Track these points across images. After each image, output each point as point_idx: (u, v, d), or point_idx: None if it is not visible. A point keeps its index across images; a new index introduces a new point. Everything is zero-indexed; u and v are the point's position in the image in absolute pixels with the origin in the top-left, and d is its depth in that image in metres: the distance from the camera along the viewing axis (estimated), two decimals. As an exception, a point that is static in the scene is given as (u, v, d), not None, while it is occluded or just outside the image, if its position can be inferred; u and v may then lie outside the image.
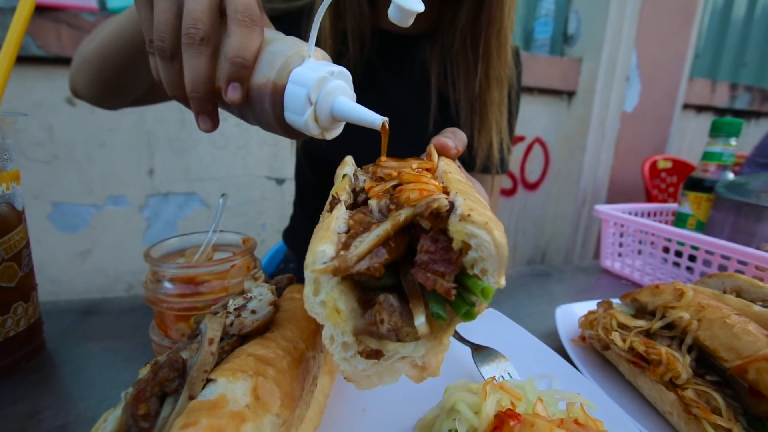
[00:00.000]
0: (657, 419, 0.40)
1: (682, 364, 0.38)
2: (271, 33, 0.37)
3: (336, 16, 0.75)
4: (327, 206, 0.30)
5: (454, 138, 0.41)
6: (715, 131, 0.86)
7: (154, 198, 1.63)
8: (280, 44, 0.35)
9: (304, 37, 0.37)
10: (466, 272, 0.24)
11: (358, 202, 0.30)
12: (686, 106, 2.40)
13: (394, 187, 0.29)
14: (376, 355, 0.26)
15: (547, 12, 2.01)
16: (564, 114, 2.21)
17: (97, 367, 0.49)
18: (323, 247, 0.24)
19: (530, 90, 2.06)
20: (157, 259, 0.47)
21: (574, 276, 0.86)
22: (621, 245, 0.87)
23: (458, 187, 0.28)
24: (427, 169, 0.35)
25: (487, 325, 0.53)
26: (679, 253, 0.75)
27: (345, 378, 0.27)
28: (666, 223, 0.99)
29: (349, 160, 0.39)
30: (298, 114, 0.34)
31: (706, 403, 0.35)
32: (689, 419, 0.35)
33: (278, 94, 0.34)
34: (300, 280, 0.47)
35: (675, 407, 0.37)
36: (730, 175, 0.86)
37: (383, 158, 0.36)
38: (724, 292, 0.50)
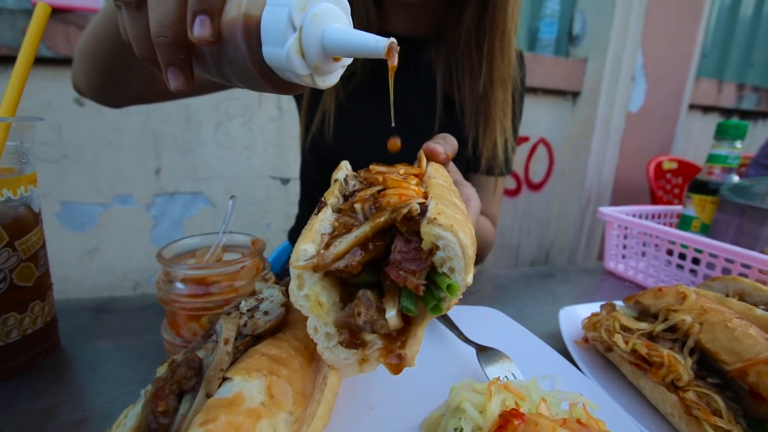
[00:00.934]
0: (659, 420, 0.41)
1: (684, 367, 0.39)
2: None
3: None
4: (316, 210, 0.32)
5: (444, 144, 0.42)
6: (721, 134, 0.86)
7: (161, 197, 1.65)
8: None
9: None
10: (437, 271, 0.27)
11: (345, 206, 0.32)
12: (692, 107, 2.39)
13: (379, 191, 0.31)
14: (355, 345, 0.28)
15: (552, 12, 2.00)
16: (569, 114, 2.20)
17: (110, 364, 0.50)
18: (305, 246, 0.27)
19: (535, 90, 2.06)
20: (169, 259, 0.48)
21: (578, 277, 0.87)
22: (625, 247, 0.88)
23: (436, 192, 0.30)
24: (416, 175, 0.37)
25: (492, 326, 0.53)
26: (682, 256, 0.75)
27: (329, 366, 0.29)
28: (670, 225, 0.99)
29: (344, 165, 0.40)
30: (278, 45, 0.27)
31: (706, 405, 0.36)
32: (690, 421, 0.36)
33: (253, 21, 0.27)
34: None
35: (676, 409, 0.37)
36: (735, 178, 0.86)
37: (373, 165, 0.38)
38: (727, 296, 0.51)
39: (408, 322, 0.28)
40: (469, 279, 0.26)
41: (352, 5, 0.79)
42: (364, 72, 0.82)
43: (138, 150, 1.57)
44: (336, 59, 0.30)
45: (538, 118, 2.14)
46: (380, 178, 0.33)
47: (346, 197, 0.34)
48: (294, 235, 1.09)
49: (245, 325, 0.31)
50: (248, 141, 1.69)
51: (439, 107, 0.81)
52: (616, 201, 2.23)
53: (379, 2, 0.81)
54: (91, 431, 0.39)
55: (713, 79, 2.43)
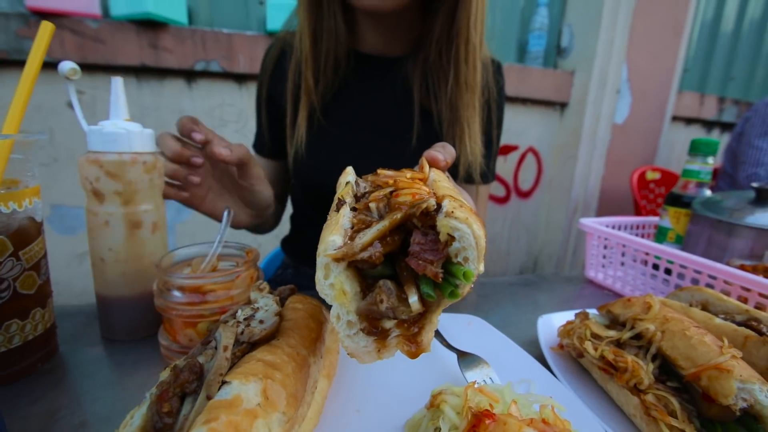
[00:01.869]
0: (624, 421, 0.44)
1: (645, 372, 0.42)
2: None
3: (314, 40, 0.80)
4: (333, 206, 0.35)
5: (443, 152, 0.45)
6: (694, 150, 0.91)
7: (154, 202, 1.65)
8: None
9: None
10: (452, 261, 0.29)
11: (359, 206, 0.35)
12: (675, 119, 2.47)
13: (391, 193, 0.34)
14: (375, 333, 0.30)
15: (540, 26, 2.06)
16: (557, 124, 2.26)
17: (108, 369, 0.52)
18: (333, 237, 0.29)
19: (524, 101, 2.12)
20: (167, 269, 0.51)
21: (560, 286, 0.90)
22: (605, 257, 0.92)
23: (446, 192, 0.33)
24: (420, 179, 0.39)
25: (474, 333, 0.57)
26: (656, 266, 0.79)
27: (348, 354, 0.31)
28: (648, 236, 1.04)
29: (349, 170, 0.43)
30: None
31: (664, 407, 0.39)
32: (649, 421, 0.39)
33: None
34: (300, 288, 0.51)
35: (638, 410, 0.41)
36: (707, 192, 0.91)
37: (380, 170, 0.41)
38: (691, 305, 0.54)
39: (424, 310, 0.31)
40: (482, 267, 0.29)
41: (323, 23, 0.84)
42: (332, 90, 0.84)
43: (131, 155, 1.58)
44: None
45: (528, 127, 2.20)
46: (390, 181, 0.36)
47: (357, 198, 0.37)
48: (287, 243, 1.10)
49: (242, 333, 0.34)
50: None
51: (416, 121, 0.84)
52: (602, 210, 2.29)
53: (353, 22, 0.84)
54: (92, 433, 0.41)
55: (695, 92, 2.52)
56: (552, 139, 2.28)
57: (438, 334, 0.53)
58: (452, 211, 0.29)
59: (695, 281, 0.70)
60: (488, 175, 0.96)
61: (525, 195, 2.33)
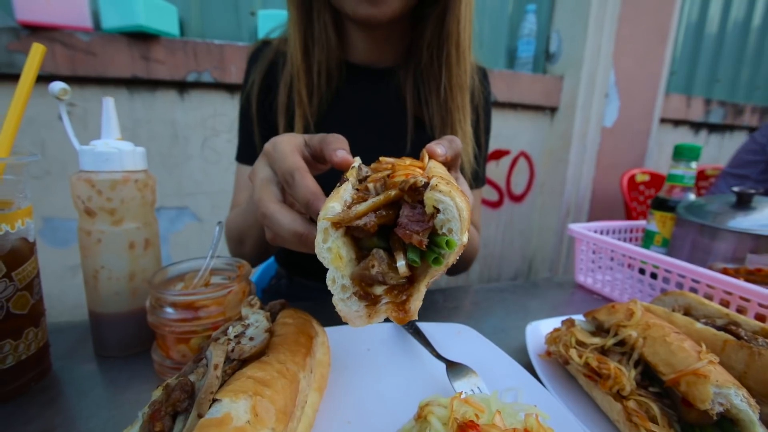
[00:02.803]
0: (609, 427, 0.45)
1: (627, 378, 0.43)
2: None
3: (306, 51, 0.80)
4: (339, 183, 0.38)
5: (446, 145, 0.46)
6: (677, 155, 0.93)
7: (148, 213, 1.65)
8: None
9: None
10: (437, 232, 0.32)
11: (360, 186, 0.38)
12: (663, 121, 2.51)
13: (388, 175, 0.37)
14: (367, 297, 0.33)
15: (529, 32, 2.10)
16: (547, 129, 2.29)
17: (101, 386, 0.52)
18: (333, 203, 0.33)
19: (514, 106, 2.14)
20: (159, 285, 0.51)
21: (551, 291, 0.92)
22: (593, 262, 0.93)
23: (437, 173, 0.36)
24: (419, 167, 0.42)
25: (463, 342, 0.58)
26: (642, 271, 0.81)
27: (342, 318, 0.33)
28: (637, 240, 1.06)
29: (357, 159, 0.45)
30: None
31: (645, 413, 0.40)
32: (631, 426, 0.40)
33: None
34: (295, 298, 0.51)
35: (621, 416, 0.42)
36: (692, 196, 0.93)
37: (382, 157, 0.44)
38: (674, 310, 0.56)
39: (412, 280, 0.34)
40: (465, 239, 0.31)
41: (314, 34, 0.84)
42: (325, 102, 0.85)
43: (124, 167, 1.58)
44: None
45: (519, 132, 2.23)
46: (389, 166, 0.39)
47: (360, 181, 0.40)
48: (280, 254, 1.11)
49: (233, 350, 0.35)
50: (234, 155, 1.72)
51: (410, 130, 0.86)
52: (593, 212, 2.32)
53: (344, 33, 0.85)
54: (86, 452, 0.41)
55: (682, 94, 2.56)
56: (543, 144, 2.31)
57: (427, 344, 0.54)
58: (437, 185, 0.31)
59: (680, 285, 0.72)
60: (480, 178, 0.98)
61: (518, 199, 2.35)
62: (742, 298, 0.61)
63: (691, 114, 2.61)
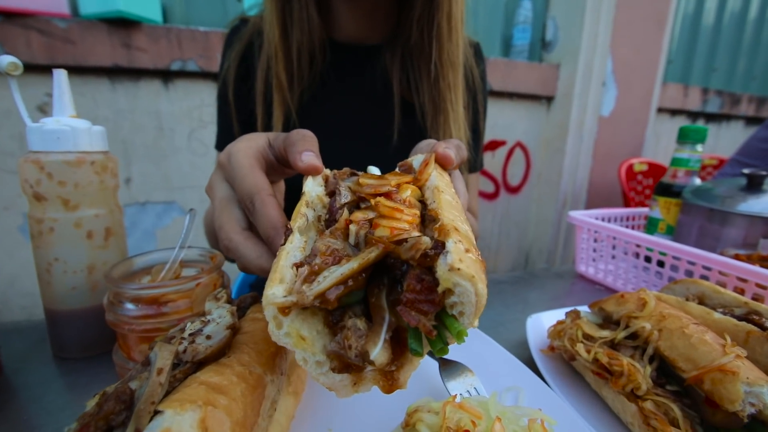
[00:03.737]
0: (621, 430, 0.41)
1: (643, 376, 0.38)
2: None
3: (284, 30, 0.74)
4: (282, 240, 0.31)
5: (455, 153, 0.40)
6: (683, 138, 0.89)
7: (132, 207, 1.60)
8: None
9: None
10: (445, 310, 0.26)
11: (340, 224, 0.31)
12: (660, 110, 2.47)
13: (371, 220, 0.30)
14: (348, 369, 0.27)
15: (525, 19, 2.04)
16: (544, 118, 2.24)
17: (56, 391, 0.47)
18: (272, 290, 0.26)
19: (510, 95, 2.09)
20: (118, 279, 0.46)
21: (551, 282, 0.87)
22: (595, 251, 0.89)
23: (448, 217, 0.29)
24: (410, 182, 0.35)
25: (458, 337, 0.53)
26: (648, 259, 0.77)
27: (327, 388, 0.28)
28: (639, 227, 1.01)
29: (319, 179, 0.37)
30: None
31: (664, 415, 0.36)
32: (649, 430, 0.36)
33: None
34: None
35: (636, 418, 0.37)
36: (698, 181, 0.89)
37: (363, 178, 0.35)
38: (687, 299, 0.51)
39: (400, 353, 0.28)
40: (476, 323, 0.26)
41: (292, 13, 0.77)
42: (308, 86, 0.80)
43: (106, 159, 1.52)
44: None
45: (515, 122, 2.18)
46: (373, 202, 0.31)
47: (333, 210, 0.33)
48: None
49: (185, 351, 0.29)
50: (214, 145, 1.67)
51: (397, 115, 0.80)
52: (591, 202, 2.28)
53: (327, 9, 0.79)
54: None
55: (679, 83, 2.53)
56: (539, 133, 2.27)
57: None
58: (458, 266, 0.25)
59: (689, 273, 0.67)
60: (476, 164, 0.93)
61: (514, 190, 2.31)
62: (758, 285, 0.56)
63: (689, 103, 2.58)
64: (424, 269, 0.26)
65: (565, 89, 2.12)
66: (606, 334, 0.45)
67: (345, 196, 0.34)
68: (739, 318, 0.44)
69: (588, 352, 0.43)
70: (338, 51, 0.81)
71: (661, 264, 0.74)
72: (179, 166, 1.63)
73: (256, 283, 1.08)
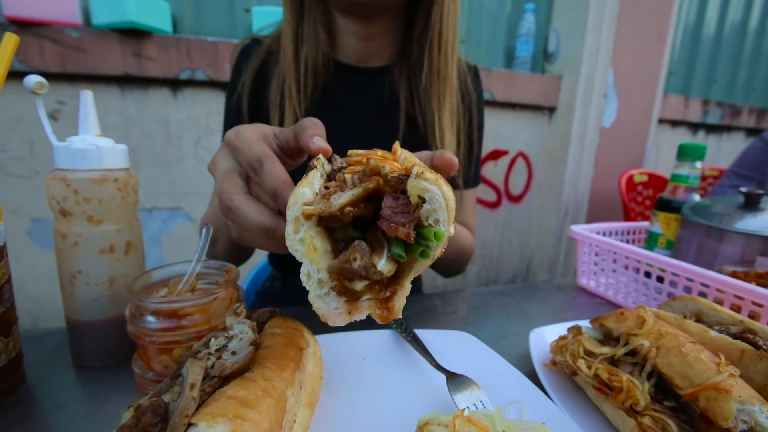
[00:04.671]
0: (621, 443, 0.42)
1: (641, 392, 0.40)
2: None
3: (296, 47, 0.80)
4: (290, 193, 0.34)
5: (454, 162, 0.43)
6: (682, 155, 0.91)
7: (138, 213, 1.62)
8: None
9: None
10: (423, 224, 0.29)
11: (338, 177, 0.34)
12: (661, 121, 2.50)
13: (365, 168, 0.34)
14: (346, 292, 0.30)
15: (527, 31, 2.07)
16: (546, 129, 2.27)
17: (78, 399, 0.49)
18: (303, 189, 0.30)
19: (513, 106, 2.12)
20: (140, 292, 0.48)
21: (553, 295, 0.89)
22: (596, 264, 0.91)
23: (416, 162, 0.33)
24: (391, 159, 0.39)
25: (463, 351, 0.55)
26: (648, 274, 0.78)
27: (320, 317, 0.31)
28: (639, 241, 1.03)
29: (321, 156, 0.41)
30: None
31: (662, 430, 0.37)
32: (647, 445, 0.37)
33: None
34: (290, 301, 0.48)
35: (635, 433, 0.39)
36: (696, 197, 0.91)
37: (351, 150, 0.41)
38: (685, 316, 0.53)
39: (396, 275, 0.31)
40: (452, 230, 0.29)
41: (304, 29, 0.82)
42: (312, 98, 0.84)
43: (114, 166, 1.54)
44: None
45: (517, 132, 2.20)
46: (363, 160, 0.36)
47: (332, 173, 0.37)
48: (273, 255, 1.08)
49: (213, 366, 0.31)
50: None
51: (402, 128, 0.84)
52: (592, 213, 2.30)
53: (334, 31, 0.84)
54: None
55: (680, 95, 2.55)
56: (541, 144, 2.29)
57: (426, 354, 0.51)
58: (422, 172, 0.29)
59: (687, 289, 0.69)
60: (470, 179, 0.96)
61: (516, 199, 2.33)
62: (754, 303, 0.58)
63: (689, 115, 2.60)
64: (400, 192, 0.30)
65: (566, 100, 2.15)
66: (606, 350, 0.47)
67: (340, 162, 0.39)
68: (735, 336, 0.46)
69: (589, 367, 0.45)
70: (343, 70, 0.85)
71: (660, 279, 0.76)
72: (186, 173, 1.66)
73: (263, 291, 1.10)
